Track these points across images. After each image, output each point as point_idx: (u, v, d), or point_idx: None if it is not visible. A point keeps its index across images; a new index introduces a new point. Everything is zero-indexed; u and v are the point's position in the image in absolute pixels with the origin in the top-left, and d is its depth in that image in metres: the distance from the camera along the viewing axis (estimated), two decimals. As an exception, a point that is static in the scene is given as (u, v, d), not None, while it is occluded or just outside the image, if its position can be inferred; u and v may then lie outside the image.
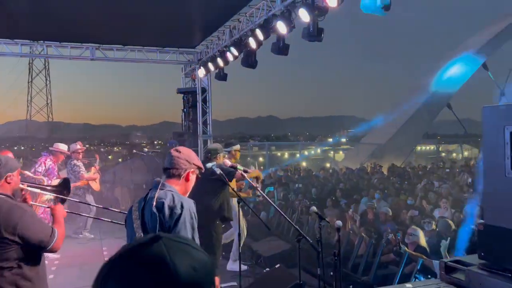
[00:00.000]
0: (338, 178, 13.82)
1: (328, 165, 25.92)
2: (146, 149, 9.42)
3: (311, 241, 3.02)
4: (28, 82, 69.89)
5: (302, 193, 11.19)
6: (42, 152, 7.47)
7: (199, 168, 2.62)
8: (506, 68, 24.24)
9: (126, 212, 2.64)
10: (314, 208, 3.56)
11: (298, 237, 3.00)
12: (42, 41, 9.77)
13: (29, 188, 2.90)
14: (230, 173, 4.24)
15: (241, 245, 5.81)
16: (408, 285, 2.51)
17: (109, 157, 8.17)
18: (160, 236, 0.75)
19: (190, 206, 2.43)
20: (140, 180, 10.34)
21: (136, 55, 10.54)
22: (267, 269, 5.84)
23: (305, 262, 6.33)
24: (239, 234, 4.10)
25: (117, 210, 4.40)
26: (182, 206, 2.38)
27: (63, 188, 3.12)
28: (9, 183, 2.73)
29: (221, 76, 9.82)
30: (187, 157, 2.56)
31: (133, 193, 10.36)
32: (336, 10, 5.30)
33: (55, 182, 5.79)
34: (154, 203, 2.40)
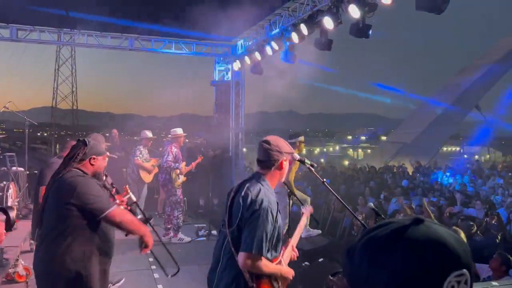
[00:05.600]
0: (369, 176, 13.76)
1: (346, 162, 25.77)
2: (187, 140, 9.51)
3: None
4: (55, 70, 70.92)
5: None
6: (165, 141, 7.66)
7: (291, 154, 2.67)
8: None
9: None
10: (371, 204, 3.58)
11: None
12: (83, 30, 9.95)
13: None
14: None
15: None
16: (494, 283, 2.54)
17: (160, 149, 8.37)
18: (422, 219, 0.82)
19: (270, 205, 2.45)
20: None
21: (173, 47, 10.66)
22: (306, 263, 5.89)
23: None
24: (289, 227, 4.13)
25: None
26: (261, 204, 2.41)
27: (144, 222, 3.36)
28: (92, 164, 3.00)
29: (257, 69, 9.86)
30: (278, 147, 2.60)
31: None
32: (388, 7, 5.28)
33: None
34: (243, 193, 2.48)
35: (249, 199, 2.45)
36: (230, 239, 2.46)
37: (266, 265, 2.45)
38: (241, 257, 2.38)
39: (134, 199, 3.48)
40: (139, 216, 3.42)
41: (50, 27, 9.78)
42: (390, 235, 0.80)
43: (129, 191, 3.41)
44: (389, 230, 0.81)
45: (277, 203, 2.58)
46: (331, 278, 3.45)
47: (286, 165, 2.64)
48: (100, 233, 2.89)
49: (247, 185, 2.53)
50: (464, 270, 0.77)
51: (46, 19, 9.31)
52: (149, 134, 8.29)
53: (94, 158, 3.01)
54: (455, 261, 0.77)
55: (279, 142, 2.63)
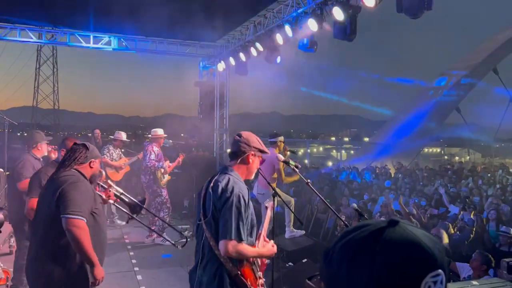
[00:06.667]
0: (353, 178, 13.88)
1: (330, 163, 25.96)
2: (170, 141, 9.44)
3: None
4: (36, 69, 69.43)
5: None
6: (144, 142, 7.62)
7: (261, 151, 2.73)
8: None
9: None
10: (354, 205, 3.63)
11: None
12: (66, 29, 9.80)
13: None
14: None
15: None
16: (474, 282, 2.59)
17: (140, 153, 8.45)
18: (397, 220, 0.83)
19: (241, 191, 2.54)
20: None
21: (157, 46, 10.59)
22: (290, 263, 5.91)
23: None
24: (273, 228, 4.15)
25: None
26: (232, 191, 2.50)
27: (138, 206, 3.50)
28: (91, 167, 3.04)
29: (242, 70, 9.86)
30: (247, 140, 2.69)
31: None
32: (372, 9, 5.35)
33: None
34: (212, 185, 2.56)
35: (219, 189, 2.52)
36: (208, 232, 2.51)
37: (247, 249, 2.52)
38: (222, 245, 2.44)
39: (120, 190, 3.50)
40: (133, 200, 3.48)
41: (31, 25, 9.62)
42: (367, 237, 0.81)
43: (112, 185, 3.42)
44: (367, 233, 0.82)
45: (248, 189, 2.66)
46: (308, 282, 3.48)
47: (253, 160, 2.71)
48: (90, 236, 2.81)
49: (215, 178, 2.61)
50: (439, 270, 0.79)
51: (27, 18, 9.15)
52: (123, 136, 8.33)
53: (93, 161, 3.06)
54: (431, 262, 0.79)
55: (250, 136, 2.72)
